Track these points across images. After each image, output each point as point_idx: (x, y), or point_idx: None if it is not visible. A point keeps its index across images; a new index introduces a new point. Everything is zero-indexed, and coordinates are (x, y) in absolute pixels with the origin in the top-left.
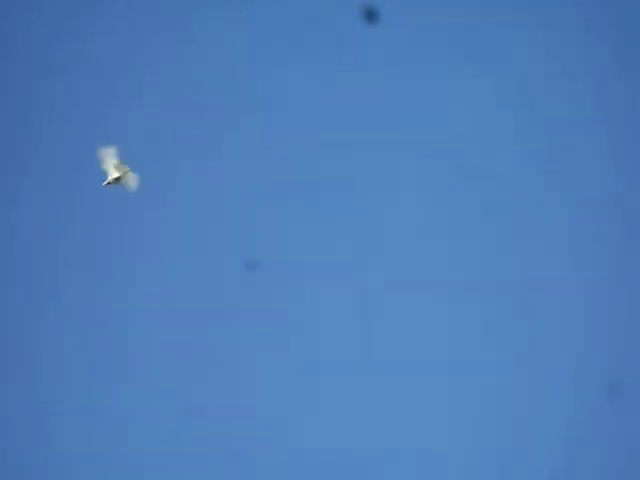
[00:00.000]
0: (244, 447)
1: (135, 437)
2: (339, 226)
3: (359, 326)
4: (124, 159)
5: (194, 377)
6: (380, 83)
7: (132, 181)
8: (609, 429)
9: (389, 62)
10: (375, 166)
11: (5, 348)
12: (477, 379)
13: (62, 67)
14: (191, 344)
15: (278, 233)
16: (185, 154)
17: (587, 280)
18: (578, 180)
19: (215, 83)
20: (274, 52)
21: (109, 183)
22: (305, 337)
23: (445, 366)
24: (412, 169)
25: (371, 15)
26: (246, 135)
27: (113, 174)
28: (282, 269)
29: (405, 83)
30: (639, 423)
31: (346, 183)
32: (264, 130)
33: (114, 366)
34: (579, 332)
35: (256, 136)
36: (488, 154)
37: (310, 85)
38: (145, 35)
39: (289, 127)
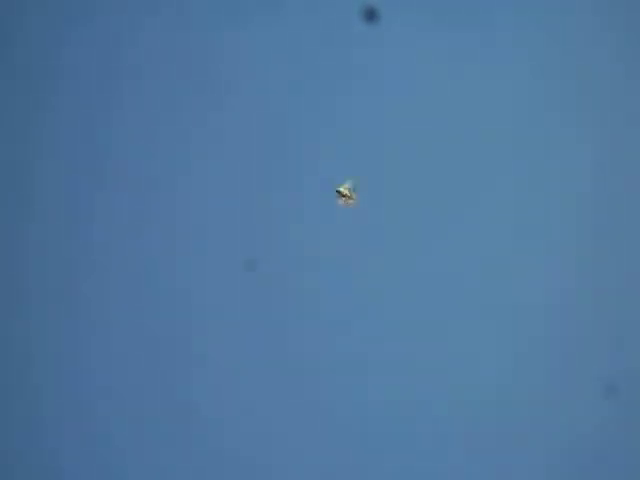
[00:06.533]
0: (243, 447)
1: (131, 437)
2: (340, 226)
3: (360, 326)
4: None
5: (193, 378)
6: (380, 83)
7: (346, 203)
8: (609, 429)
9: (389, 62)
10: (375, 166)
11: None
12: (475, 379)
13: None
14: (190, 344)
15: (279, 233)
16: (184, 153)
17: (586, 279)
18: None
19: (214, 83)
20: (273, 52)
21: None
22: (305, 337)
23: (443, 377)
24: (413, 169)
25: (371, 15)
26: (246, 134)
27: (345, 193)
28: (282, 269)
29: (405, 83)
30: (639, 423)
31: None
32: (264, 129)
33: (112, 366)
34: (578, 331)
35: (256, 135)
36: (489, 151)
37: (311, 85)
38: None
39: (288, 127)
